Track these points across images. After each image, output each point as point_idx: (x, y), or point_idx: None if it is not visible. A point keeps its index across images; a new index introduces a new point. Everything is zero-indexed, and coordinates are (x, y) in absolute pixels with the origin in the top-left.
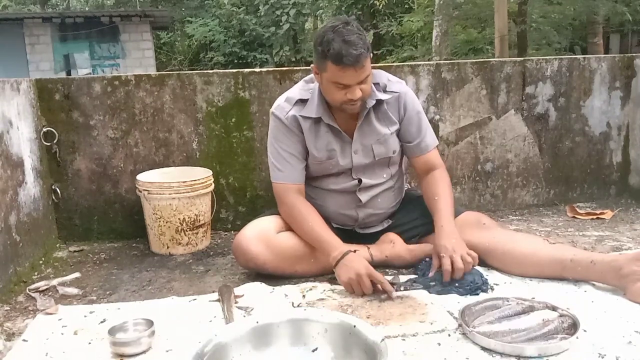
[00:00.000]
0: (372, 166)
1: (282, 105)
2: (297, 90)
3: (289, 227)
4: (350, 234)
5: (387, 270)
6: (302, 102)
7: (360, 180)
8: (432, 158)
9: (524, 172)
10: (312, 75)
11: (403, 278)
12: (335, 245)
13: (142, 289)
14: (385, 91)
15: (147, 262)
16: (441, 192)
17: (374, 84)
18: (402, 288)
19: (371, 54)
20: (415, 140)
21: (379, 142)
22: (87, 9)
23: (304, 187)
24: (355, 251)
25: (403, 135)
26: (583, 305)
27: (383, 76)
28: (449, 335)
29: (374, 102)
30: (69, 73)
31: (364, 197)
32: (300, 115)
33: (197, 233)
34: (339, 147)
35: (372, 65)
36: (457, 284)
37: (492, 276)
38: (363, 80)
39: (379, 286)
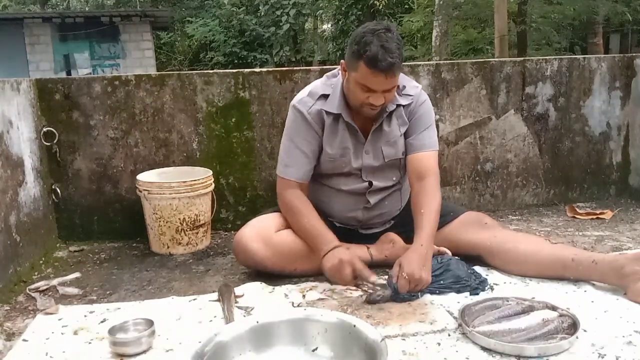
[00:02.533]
0: (383, 168)
1: (305, 99)
2: (319, 85)
3: (288, 225)
4: (352, 234)
5: (388, 270)
6: (324, 97)
7: (370, 183)
8: (426, 160)
9: (523, 172)
10: (334, 70)
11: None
12: (329, 240)
13: (142, 289)
14: (402, 95)
15: (147, 262)
16: (429, 206)
17: None
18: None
19: (402, 66)
20: (412, 136)
21: (389, 144)
22: (87, 9)
23: (306, 186)
24: (348, 248)
25: (405, 133)
26: (583, 305)
27: (402, 79)
28: (449, 335)
29: (395, 106)
30: (69, 73)
31: (373, 199)
32: (324, 110)
33: (197, 233)
34: (352, 146)
35: None
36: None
37: (492, 276)
38: (389, 89)
39: (360, 275)
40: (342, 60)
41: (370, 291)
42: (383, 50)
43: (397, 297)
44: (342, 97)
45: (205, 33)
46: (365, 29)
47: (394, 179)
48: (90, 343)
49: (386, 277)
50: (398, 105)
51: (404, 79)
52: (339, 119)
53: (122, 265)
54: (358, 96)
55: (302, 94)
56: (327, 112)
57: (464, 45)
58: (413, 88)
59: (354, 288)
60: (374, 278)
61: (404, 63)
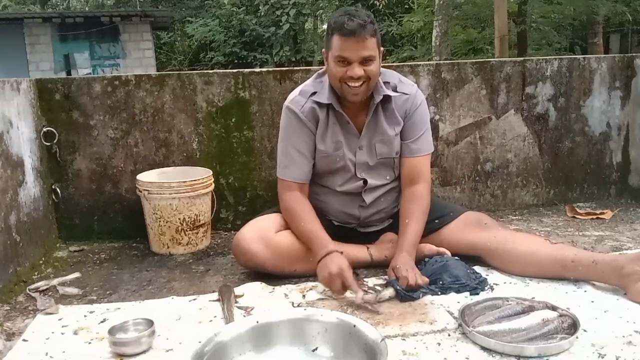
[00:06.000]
0: (376, 167)
1: (297, 99)
2: (310, 83)
3: (288, 226)
4: (351, 233)
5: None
6: (315, 93)
7: (365, 181)
8: (420, 165)
9: (523, 172)
10: (324, 69)
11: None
12: (325, 243)
13: (142, 289)
14: (395, 91)
15: (147, 262)
16: (414, 216)
17: (384, 82)
18: (378, 299)
19: (379, 41)
20: (408, 140)
21: (383, 142)
22: (87, 9)
23: (307, 186)
24: (342, 253)
25: (401, 134)
26: (583, 305)
27: (394, 76)
28: (449, 335)
29: (382, 97)
30: (69, 73)
31: (368, 198)
32: (315, 102)
33: (197, 233)
34: (345, 139)
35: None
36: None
37: (492, 276)
38: (366, 59)
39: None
40: (322, 50)
41: (368, 295)
42: (349, 16)
43: (403, 295)
44: (331, 89)
45: (205, 33)
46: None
47: (388, 177)
48: (90, 343)
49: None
50: (387, 98)
51: (396, 76)
52: (330, 112)
53: (122, 265)
54: (337, 73)
55: (294, 94)
56: (319, 104)
57: (464, 45)
58: (408, 86)
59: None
60: (360, 295)
61: (404, 63)
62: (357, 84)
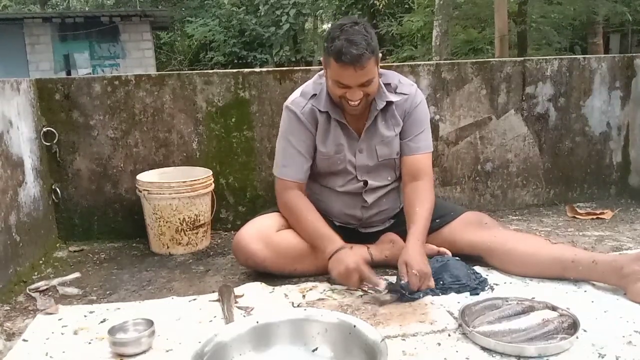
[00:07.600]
0: (377, 168)
1: (298, 100)
2: (311, 84)
3: (288, 226)
4: (352, 233)
5: (387, 270)
6: (315, 96)
7: (366, 183)
8: (421, 162)
9: (524, 172)
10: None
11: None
12: (333, 240)
13: (142, 289)
14: (395, 92)
15: (147, 262)
16: (422, 205)
17: (385, 84)
18: (388, 296)
19: (378, 57)
20: (407, 138)
21: (383, 143)
22: (87, 9)
23: (304, 185)
24: (351, 247)
25: (400, 133)
26: (583, 305)
27: (395, 77)
28: (449, 335)
29: (384, 103)
30: (69, 73)
31: (369, 198)
32: (316, 108)
33: (197, 233)
34: (346, 143)
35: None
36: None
37: (492, 276)
38: (365, 83)
39: (367, 282)
40: (321, 58)
41: (372, 292)
42: (348, 43)
43: (405, 296)
44: (328, 96)
45: (205, 33)
46: (334, 25)
47: (389, 178)
48: (90, 343)
49: (386, 277)
50: (389, 103)
51: (397, 77)
52: (330, 116)
53: (122, 265)
54: (336, 92)
55: (295, 94)
56: (320, 111)
57: (464, 45)
58: (407, 86)
59: (356, 289)
60: (383, 285)
61: (404, 63)
62: (356, 103)
